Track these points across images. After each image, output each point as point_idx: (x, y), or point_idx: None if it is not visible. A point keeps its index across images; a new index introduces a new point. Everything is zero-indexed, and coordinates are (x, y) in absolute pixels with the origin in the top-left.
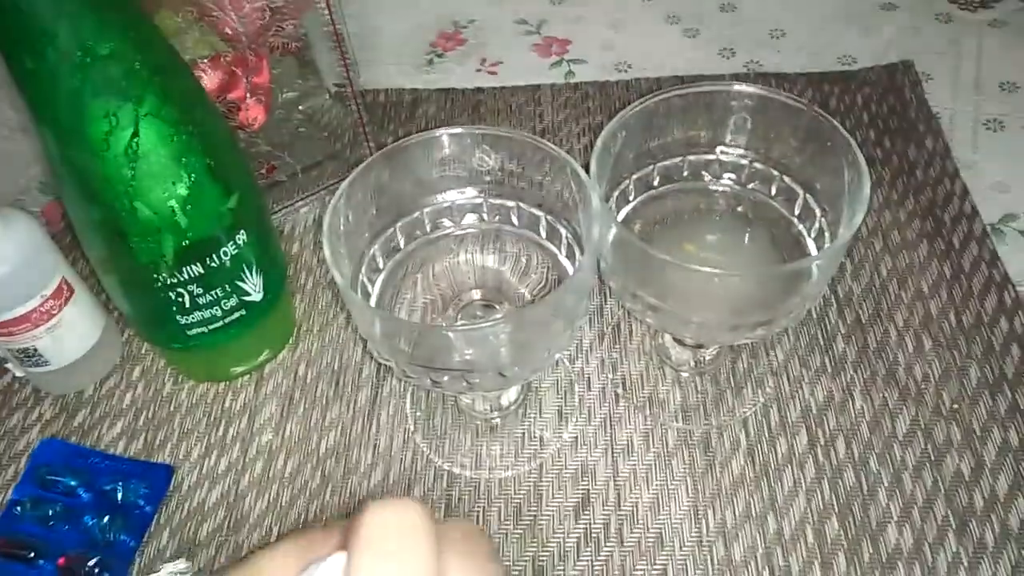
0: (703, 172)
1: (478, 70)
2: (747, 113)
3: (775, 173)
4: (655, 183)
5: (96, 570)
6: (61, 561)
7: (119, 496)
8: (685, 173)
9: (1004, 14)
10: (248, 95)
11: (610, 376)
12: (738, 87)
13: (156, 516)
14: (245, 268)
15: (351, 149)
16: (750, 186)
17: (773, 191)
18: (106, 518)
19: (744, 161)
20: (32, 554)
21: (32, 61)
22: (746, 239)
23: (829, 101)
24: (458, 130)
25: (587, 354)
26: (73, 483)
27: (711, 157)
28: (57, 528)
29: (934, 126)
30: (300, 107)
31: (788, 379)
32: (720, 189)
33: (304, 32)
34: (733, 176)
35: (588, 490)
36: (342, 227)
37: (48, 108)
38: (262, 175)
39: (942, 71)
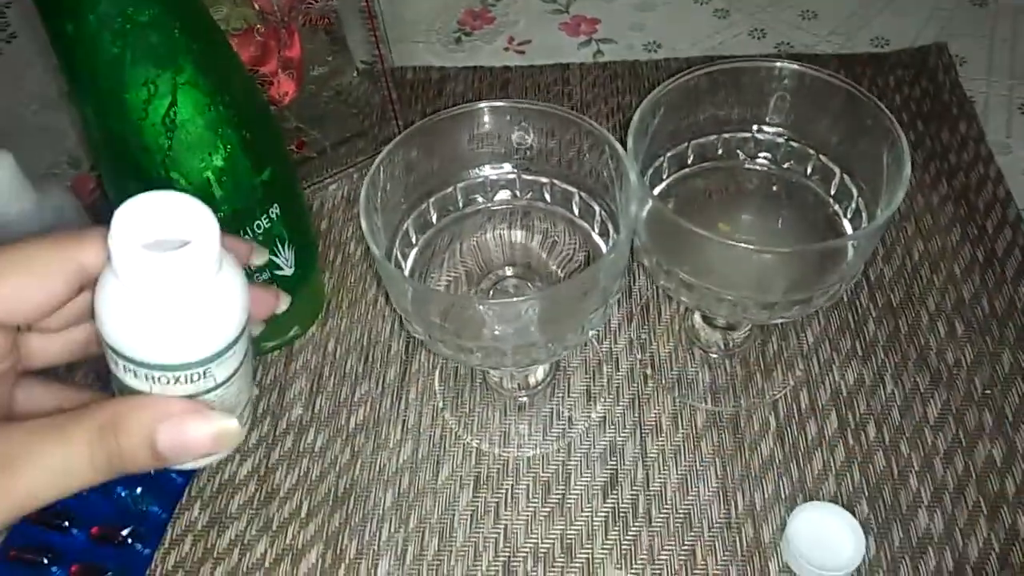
0: (738, 151)
1: (506, 49)
2: (786, 91)
3: (811, 152)
4: (689, 161)
5: (128, 540)
6: (94, 531)
7: None
8: (720, 151)
9: None
10: (280, 69)
11: (639, 356)
12: (779, 64)
13: (187, 488)
14: (277, 242)
15: (380, 127)
16: (786, 165)
17: (809, 170)
18: (138, 489)
19: (780, 140)
20: (66, 523)
21: (73, 27)
22: (781, 219)
23: (861, 83)
24: (498, 103)
25: (615, 334)
26: None
27: (747, 135)
28: (90, 498)
29: (968, 110)
30: (330, 83)
31: (818, 361)
32: (755, 168)
33: (334, 7)
34: (769, 155)
35: (616, 470)
36: (379, 199)
37: (88, 75)
38: (292, 151)
39: (977, 55)
